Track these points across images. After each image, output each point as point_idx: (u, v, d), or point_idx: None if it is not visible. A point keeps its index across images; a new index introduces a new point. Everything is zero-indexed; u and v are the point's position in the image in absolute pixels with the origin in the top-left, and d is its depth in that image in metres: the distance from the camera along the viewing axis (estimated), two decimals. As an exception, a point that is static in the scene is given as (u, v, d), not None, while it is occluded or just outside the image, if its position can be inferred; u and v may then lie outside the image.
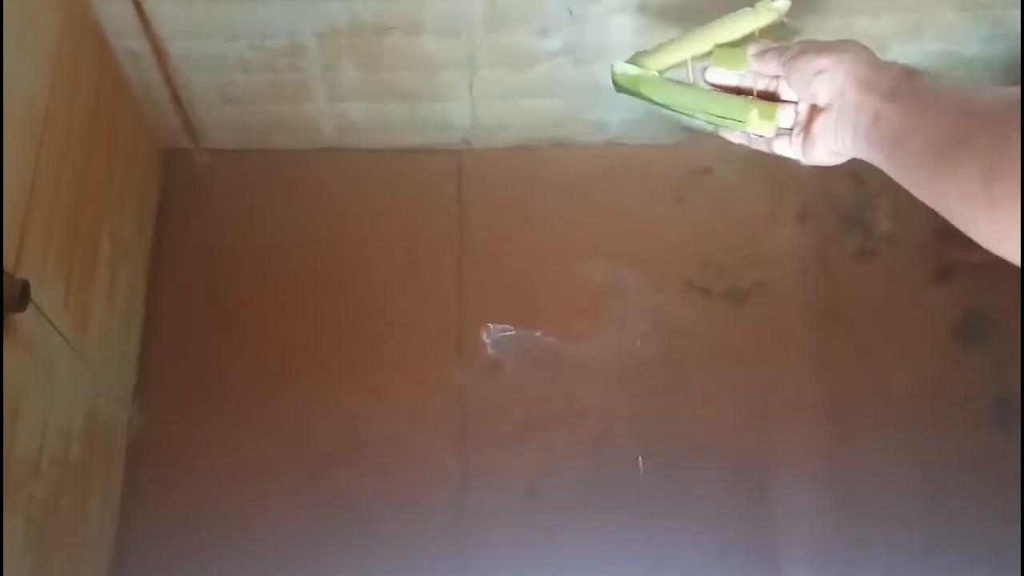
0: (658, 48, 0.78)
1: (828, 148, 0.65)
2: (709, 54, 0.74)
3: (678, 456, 1.23)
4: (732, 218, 1.35)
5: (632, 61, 0.78)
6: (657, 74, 0.77)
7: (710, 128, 0.76)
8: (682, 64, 0.76)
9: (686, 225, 1.34)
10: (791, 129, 0.69)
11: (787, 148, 0.70)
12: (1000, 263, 0.47)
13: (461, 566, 1.16)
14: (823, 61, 0.63)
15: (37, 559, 0.91)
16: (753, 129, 0.71)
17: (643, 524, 1.19)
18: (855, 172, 1.34)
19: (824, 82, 0.63)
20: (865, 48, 0.63)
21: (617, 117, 1.33)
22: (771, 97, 0.71)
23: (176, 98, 1.24)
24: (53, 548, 0.96)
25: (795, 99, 0.68)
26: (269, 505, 1.17)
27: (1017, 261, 0.47)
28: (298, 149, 1.35)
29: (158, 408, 1.21)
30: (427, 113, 1.30)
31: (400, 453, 1.21)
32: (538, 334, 1.27)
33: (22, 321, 0.86)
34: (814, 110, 0.65)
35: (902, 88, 0.57)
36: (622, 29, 1.15)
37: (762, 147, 0.73)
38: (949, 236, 1.24)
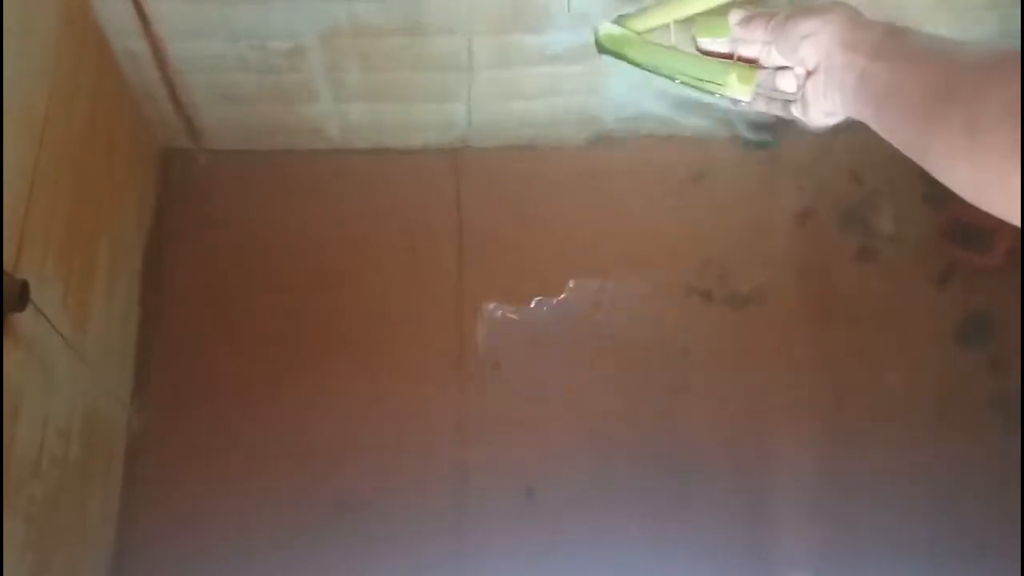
0: (642, 11, 0.78)
1: (821, 109, 0.66)
2: (692, 19, 0.74)
3: (678, 456, 1.22)
4: (732, 218, 1.35)
5: (616, 22, 0.78)
6: (639, 36, 0.77)
7: (695, 93, 0.76)
8: (665, 27, 0.77)
9: (686, 225, 1.34)
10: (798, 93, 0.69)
11: (795, 112, 0.71)
12: (1000, 264, 0.47)
13: (461, 566, 1.16)
14: (808, 25, 0.64)
15: (37, 559, 0.91)
16: (731, 93, 0.71)
17: (643, 524, 1.19)
18: (855, 172, 1.34)
19: (810, 45, 0.63)
20: (850, 8, 0.63)
21: (616, 117, 1.33)
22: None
23: (176, 98, 1.24)
24: (53, 548, 0.95)
25: (787, 64, 0.69)
26: (269, 505, 1.17)
27: (998, 212, 0.48)
28: (298, 150, 1.34)
29: (157, 408, 1.21)
30: (427, 113, 1.30)
31: (400, 453, 1.21)
32: (538, 334, 1.27)
33: (21, 321, 0.86)
34: (808, 74, 0.66)
35: (886, 46, 0.58)
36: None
37: (778, 111, 0.73)
38: (950, 236, 1.24)
